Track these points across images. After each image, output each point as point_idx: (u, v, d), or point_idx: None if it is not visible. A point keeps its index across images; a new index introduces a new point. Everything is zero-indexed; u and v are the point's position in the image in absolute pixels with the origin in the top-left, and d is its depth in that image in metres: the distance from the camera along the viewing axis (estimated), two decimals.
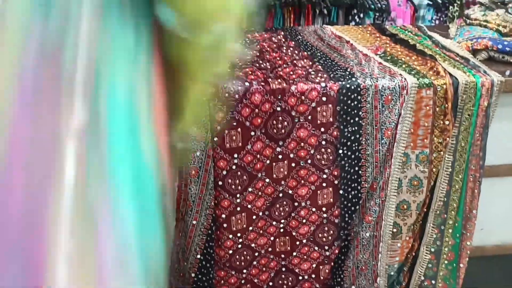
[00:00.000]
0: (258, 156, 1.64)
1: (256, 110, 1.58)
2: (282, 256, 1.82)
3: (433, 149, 1.71)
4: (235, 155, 1.62)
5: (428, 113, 1.68)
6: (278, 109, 1.60)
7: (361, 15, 2.88)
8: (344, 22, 2.89)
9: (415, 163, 1.73)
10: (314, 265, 1.84)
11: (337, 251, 1.83)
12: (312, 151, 1.67)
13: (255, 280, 1.82)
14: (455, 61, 1.81)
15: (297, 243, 1.80)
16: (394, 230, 1.82)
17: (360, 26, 2.31)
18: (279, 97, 1.59)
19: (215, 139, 1.58)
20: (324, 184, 1.73)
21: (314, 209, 1.76)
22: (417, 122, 1.68)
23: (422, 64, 1.78)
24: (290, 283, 1.86)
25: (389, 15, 2.89)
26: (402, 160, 1.72)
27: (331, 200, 1.76)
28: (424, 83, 1.66)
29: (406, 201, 1.79)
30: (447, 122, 1.68)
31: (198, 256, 1.74)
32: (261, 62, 1.77)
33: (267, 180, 1.69)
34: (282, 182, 1.70)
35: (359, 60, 1.81)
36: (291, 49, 1.91)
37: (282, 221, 1.76)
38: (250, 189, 1.68)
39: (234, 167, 1.64)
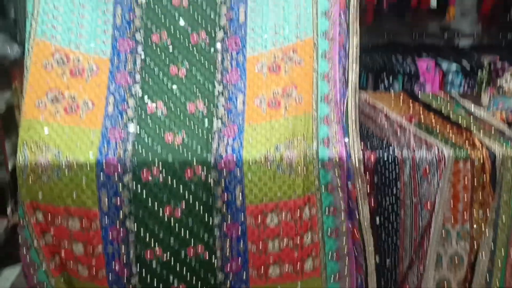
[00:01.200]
0: None
1: None
2: None
3: (473, 223, 1.70)
4: None
5: (466, 186, 1.68)
6: None
7: (390, 79, 2.94)
8: (373, 85, 2.95)
9: (456, 239, 1.72)
10: None
11: None
12: None
13: None
14: (491, 133, 1.83)
15: None
16: None
17: (393, 92, 2.35)
18: None
19: None
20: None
21: None
22: (456, 195, 1.68)
23: (458, 135, 1.80)
24: None
25: (418, 80, 2.94)
26: (441, 233, 1.71)
27: None
28: (461, 155, 1.67)
29: (446, 278, 1.76)
30: (486, 195, 1.68)
31: None
32: None
33: None
34: None
35: (395, 130, 1.84)
36: None
37: None
38: None
39: None
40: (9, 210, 2.57)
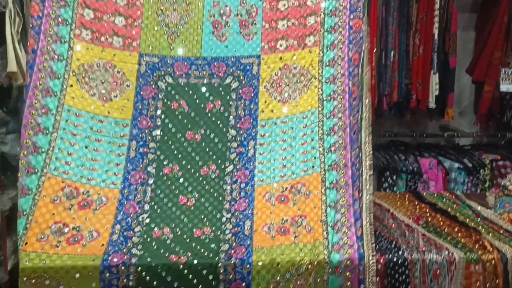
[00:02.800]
0: None
1: None
2: None
3: None
4: None
5: None
6: None
7: (394, 177, 2.97)
8: (377, 183, 2.97)
9: None
10: None
11: None
12: None
13: None
14: (500, 234, 1.81)
15: None
16: None
17: (398, 193, 2.36)
18: None
19: None
20: None
21: None
22: None
23: (467, 236, 1.78)
24: None
25: (421, 177, 2.96)
26: None
27: None
28: (472, 258, 1.64)
29: None
30: None
31: None
32: None
33: None
34: None
35: (402, 231, 1.83)
36: None
37: None
38: None
39: None
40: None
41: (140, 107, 1.85)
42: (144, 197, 1.73)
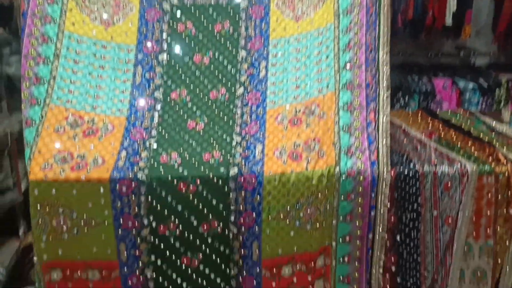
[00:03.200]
0: None
1: None
2: None
3: (497, 239, 1.64)
4: None
5: (490, 201, 1.63)
6: None
7: (406, 98, 2.91)
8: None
9: (479, 253, 1.66)
10: None
11: None
12: None
13: None
14: None
15: None
16: None
17: (410, 110, 2.32)
18: None
19: None
20: (380, 271, 1.66)
21: None
22: (479, 211, 1.63)
23: (480, 150, 1.75)
24: None
25: (434, 98, 2.90)
26: (464, 249, 1.65)
27: (388, 287, 1.68)
28: (485, 170, 1.62)
29: None
30: (511, 211, 1.62)
31: None
32: None
33: None
34: None
35: (414, 146, 1.80)
36: None
37: None
38: None
39: None
40: (21, 231, 2.55)
41: (144, 31, 1.77)
42: (151, 123, 1.68)
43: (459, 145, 1.81)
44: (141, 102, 1.70)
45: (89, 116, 1.64)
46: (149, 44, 1.76)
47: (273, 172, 1.53)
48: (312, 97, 1.68)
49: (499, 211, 1.63)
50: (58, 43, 1.67)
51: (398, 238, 1.64)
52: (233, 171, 1.54)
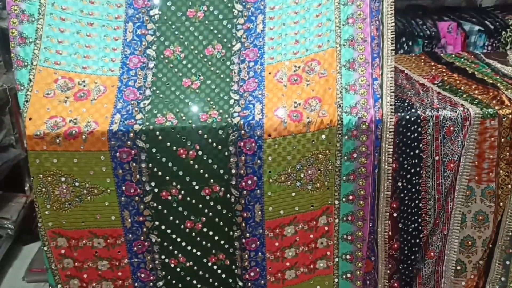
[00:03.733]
0: None
1: None
2: None
3: (499, 183, 1.63)
4: None
5: (493, 145, 1.60)
6: None
7: (410, 43, 2.83)
8: None
9: (480, 197, 1.66)
10: None
11: (396, 285, 1.75)
12: None
13: None
14: None
15: None
16: (458, 267, 1.73)
17: (413, 54, 2.26)
18: None
19: None
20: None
21: None
22: (481, 155, 1.61)
23: (484, 93, 1.72)
24: None
25: (439, 42, 2.82)
26: (465, 193, 1.64)
27: (390, 233, 1.69)
28: (488, 113, 1.59)
29: (471, 236, 1.71)
30: None
31: None
32: None
33: None
34: None
35: (417, 90, 1.76)
36: None
37: None
38: None
39: None
40: (27, 187, 2.58)
41: None
42: (144, 82, 1.61)
43: (462, 89, 1.77)
44: (134, 60, 1.63)
45: (80, 77, 1.57)
46: None
47: (273, 135, 1.50)
48: (312, 54, 1.61)
49: (502, 154, 1.62)
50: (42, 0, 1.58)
51: (399, 184, 1.63)
52: (232, 135, 1.51)
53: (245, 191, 1.55)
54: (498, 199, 1.66)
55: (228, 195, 1.56)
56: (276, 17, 1.67)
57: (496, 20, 2.87)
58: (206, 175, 1.54)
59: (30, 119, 1.49)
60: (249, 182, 1.54)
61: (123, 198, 1.54)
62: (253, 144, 1.51)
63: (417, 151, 1.60)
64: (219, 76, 1.64)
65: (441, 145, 1.60)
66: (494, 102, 1.64)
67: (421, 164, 1.62)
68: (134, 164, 1.51)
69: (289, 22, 1.66)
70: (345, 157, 1.56)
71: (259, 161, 1.52)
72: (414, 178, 1.63)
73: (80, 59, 1.60)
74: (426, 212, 1.67)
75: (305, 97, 1.56)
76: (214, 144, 1.52)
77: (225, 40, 1.67)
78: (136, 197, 1.55)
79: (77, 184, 1.52)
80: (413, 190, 1.64)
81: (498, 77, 1.87)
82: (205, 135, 1.51)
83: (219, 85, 1.62)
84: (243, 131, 1.51)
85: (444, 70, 1.96)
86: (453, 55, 2.18)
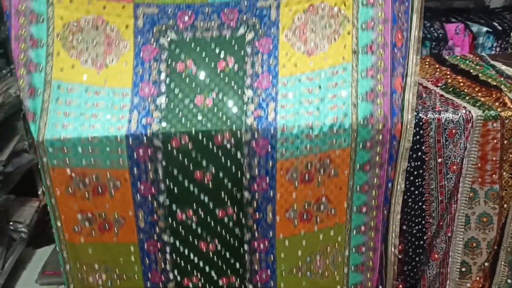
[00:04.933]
0: None
1: None
2: None
3: (503, 184, 1.64)
4: None
5: (495, 147, 1.61)
6: None
7: None
8: None
9: (484, 199, 1.66)
10: None
11: (401, 287, 1.76)
12: None
13: None
14: None
15: None
16: (463, 269, 1.74)
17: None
18: None
19: None
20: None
21: None
22: (484, 157, 1.62)
23: (487, 95, 1.72)
24: None
25: (447, 44, 2.83)
26: (469, 195, 1.65)
27: None
28: (490, 115, 1.60)
29: (475, 238, 1.71)
30: None
31: None
32: None
33: None
34: None
35: (419, 93, 1.77)
36: None
37: None
38: None
39: None
40: (40, 191, 2.64)
41: (140, 71, 1.54)
42: (156, 177, 1.53)
43: (465, 91, 1.78)
44: (139, 152, 1.51)
45: (91, 172, 1.51)
46: (145, 87, 1.54)
47: (284, 235, 1.59)
48: (324, 150, 1.52)
49: (505, 156, 1.62)
50: (46, 94, 1.49)
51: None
52: (247, 236, 1.59)
53: (259, 284, 1.63)
54: (502, 201, 1.66)
55: (241, 250, 1.60)
56: (288, 105, 1.53)
57: (504, 21, 2.87)
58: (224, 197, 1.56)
59: (65, 219, 1.55)
60: (264, 276, 1.61)
61: (148, 283, 1.61)
62: (267, 243, 1.58)
63: (419, 154, 1.61)
64: (231, 169, 1.55)
65: (443, 147, 1.61)
66: (496, 104, 1.65)
67: (424, 167, 1.63)
68: (160, 254, 1.58)
69: (302, 112, 1.52)
70: (353, 249, 1.64)
71: (272, 257, 1.60)
72: (417, 180, 1.64)
73: (85, 153, 1.50)
74: (429, 214, 1.68)
75: (316, 196, 1.56)
76: (231, 241, 1.59)
77: (234, 128, 1.52)
78: (160, 284, 1.62)
79: (108, 271, 1.59)
80: (416, 192, 1.65)
81: (502, 79, 1.87)
82: (223, 231, 1.59)
83: (231, 180, 1.55)
84: (256, 233, 1.58)
85: (448, 73, 1.97)
86: (458, 57, 2.18)
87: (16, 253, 2.31)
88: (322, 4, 1.53)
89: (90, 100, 1.51)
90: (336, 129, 1.49)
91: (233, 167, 1.53)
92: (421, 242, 1.71)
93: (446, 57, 2.21)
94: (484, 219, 1.69)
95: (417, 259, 1.71)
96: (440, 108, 1.64)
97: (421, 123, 1.59)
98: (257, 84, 1.55)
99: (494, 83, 1.81)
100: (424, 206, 1.67)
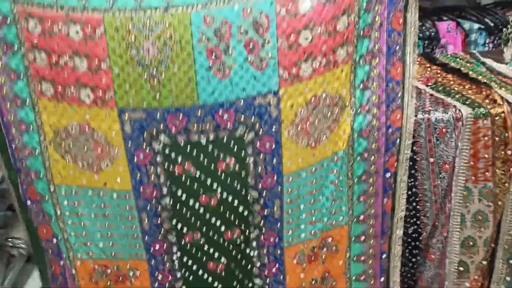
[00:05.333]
0: None
1: None
2: None
3: (496, 181, 1.63)
4: None
5: (487, 144, 1.60)
6: None
7: None
8: None
9: (478, 197, 1.65)
10: None
11: None
12: None
13: None
14: None
15: None
16: (461, 268, 1.73)
17: None
18: None
19: None
20: None
21: None
22: (476, 154, 1.61)
23: (477, 93, 1.72)
24: None
25: (439, 43, 2.82)
26: (463, 194, 1.64)
27: None
28: (481, 113, 1.59)
29: (471, 237, 1.70)
30: (509, 152, 1.59)
31: None
32: None
33: None
34: None
35: None
36: None
37: None
38: None
39: None
40: None
41: (138, 176, 1.46)
42: (173, 266, 1.58)
43: (456, 89, 1.77)
44: (156, 247, 1.56)
45: (112, 264, 1.57)
46: (147, 189, 1.49)
47: None
48: (328, 231, 1.59)
49: (497, 153, 1.61)
50: (54, 199, 1.51)
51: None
52: None
53: None
54: (497, 198, 1.65)
55: None
56: (293, 200, 1.53)
57: (496, 17, 2.86)
58: None
59: None
60: None
61: None
62: None
63: (411, 154, 1.60)
64: (241, 262, 1.59)
65: (434, 147, 1.61)
66: (486, 101, 1.64)
67: (416, 167, 1.62)
68: None
69: (307, 203, 1.55)
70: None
71: None
72: (410, 181, 1.63)
73: (107, 248, 1.56)
74: (424, 214, 1.68)
75: (321, 273, 1.63)
76: None
77: (243, 226, 1.55)
78: None
79: None
80: (410, 193, 1.64)
81: (492, 75, 1.86)
82: None
83: (242, 270, 1.61)
84: None
85: (438, 72, 1.96)
86: (449, 56, 2.17)
87: (16, 270, 2.31)
88: (323, 94, 1.43)
89: (95, 201, 1.50)
90: (335, 210, 1.58)
91: (243, 260, 1.58)
92: (417, 243, 1.70)
93: (437, 56, 2.21)
94: (479, 217, 1.68)
95: (413, 260, 1.71)
96: (430, 108, 1.63)
97: None
98: (261, 184, 1.49)
99: (484, 80, 1.80)
100: (418, 207, 1.67)
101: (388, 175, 1.55)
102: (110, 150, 1.44)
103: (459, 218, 1.67)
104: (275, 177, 1.48)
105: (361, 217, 1.59)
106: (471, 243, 1.71)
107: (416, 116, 1.58)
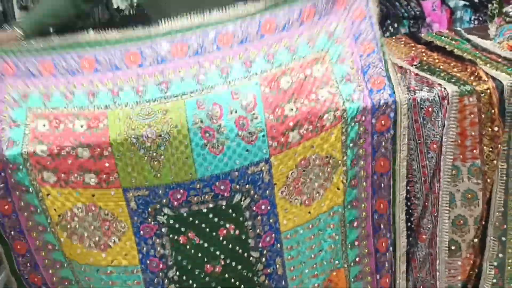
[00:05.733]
0: None
1: None
2: None
3: (484, 159, 1.62)
4: None
5: (473, 121, 1.59)
6: None
7: (395, 25, 2.82)
8: None
9: (467, 175, 1.64)
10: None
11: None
12: None
13: None
14: (497, 63, 1.72)
15: None
16: (453, 247, 1.72)
17: (393, 37, 2.23)
18: None
19: None
20: None
21: None
22: (463, 132, 1.60)
23: (462, 70, 1.70)
24: None
25: (425, 21, 2.80)
26: (451, 173, 1.63)
27: None
28: (466, 90, 1.57)
29: (462, 216, 1.70)
30: (496, 129, 1.58)
31: None
32: None
33: None
34: None
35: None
36: None
37: None
38: None
39: None
40: None
41: (145, 249, 1.55)
42: None
43: (441, 67, 1.75)
44: None
45: None
46: (153, 262, 1.56)
47: None
48: (327, 277, 1.67)
49: (484, 131, 1.60)
50: (70, 267, 1.59)
51: None
52: None
53: None
54: (485, 176, 1.64)
55: None
56: (294, 257, 1.61)
57: None
58: None
59: None
60: None
61: None
62: None
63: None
64: None
65: (421, 127, 1.59)
66: (472, 78, 1.63)
67: None
68: None
69: (307, 259, 1.62)
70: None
71: None
72: None
73: None
74: (414, 195, 1.67)
75: None
76: None
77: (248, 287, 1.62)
78: None
79: None
80: None
81: (477, 52, 1.85)
82: None
83: None
84: None
85: (423, 50, 1.94)
86: (434, 34, 2.15)
87: (4, 277, 2.29)
88: (313, 156, 1.52)
89: (103, 278, 1.56)
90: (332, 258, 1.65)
91: None
92: (409, 224, 1.69)
93: (422, 35, 2.19)
94: (469, 195, 1.67)
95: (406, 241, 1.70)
96: (415, 88, 1.61)
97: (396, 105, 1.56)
98: (261, 244, 1.57)
99: (469, 57, 1.78)
100: (408, 188, 1.65)
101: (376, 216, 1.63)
102: (117, 225, 1.52)
103: (448, 197, 1.65)
104: (273, 235, 1.57)
105: (357, 259, 1.67)
106: (461, 221, 1.70)
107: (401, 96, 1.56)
